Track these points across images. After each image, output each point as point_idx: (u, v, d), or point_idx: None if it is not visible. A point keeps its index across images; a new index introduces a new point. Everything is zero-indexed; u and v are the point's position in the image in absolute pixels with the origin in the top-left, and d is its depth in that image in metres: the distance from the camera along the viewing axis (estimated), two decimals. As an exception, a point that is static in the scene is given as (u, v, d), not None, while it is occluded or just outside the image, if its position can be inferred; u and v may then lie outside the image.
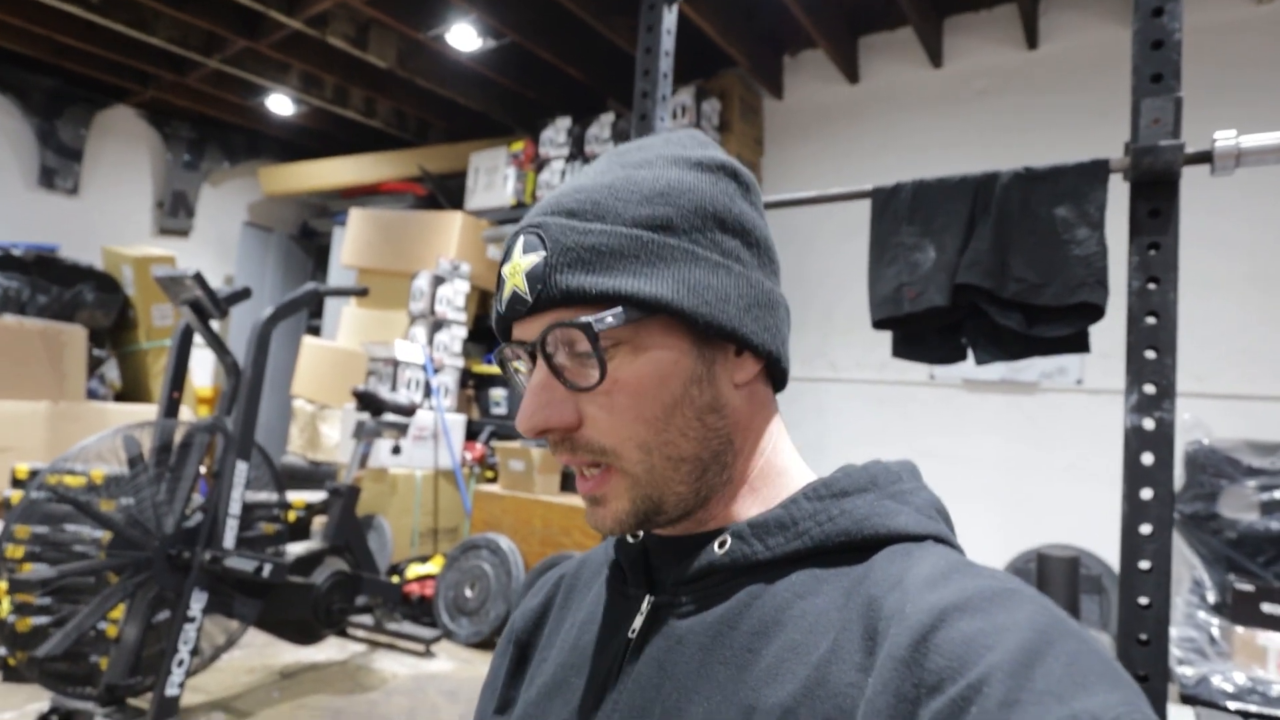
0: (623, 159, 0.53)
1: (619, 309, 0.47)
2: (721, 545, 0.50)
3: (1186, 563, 2.49)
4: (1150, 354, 1.15)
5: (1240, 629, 2.25)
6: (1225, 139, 1.13)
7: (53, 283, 4.22)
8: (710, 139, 0.57)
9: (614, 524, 0.51)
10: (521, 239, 0.50)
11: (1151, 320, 1.15)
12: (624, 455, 0.49)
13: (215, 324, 2.62)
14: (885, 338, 1.47)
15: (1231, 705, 2.04)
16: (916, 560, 0.45)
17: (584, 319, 0.46)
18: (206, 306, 2.46)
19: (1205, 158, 1.15)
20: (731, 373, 0.51)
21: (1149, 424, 1.15)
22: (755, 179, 0.56)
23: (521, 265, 0.49)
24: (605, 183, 0.50)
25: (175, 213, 6.11)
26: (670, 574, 0.53)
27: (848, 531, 0.48)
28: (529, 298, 0.48)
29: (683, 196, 0.50)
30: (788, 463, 0.55)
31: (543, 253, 0.48)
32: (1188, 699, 2.10)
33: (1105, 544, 3.48)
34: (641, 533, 0.56)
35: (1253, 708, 2.02)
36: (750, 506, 0.53)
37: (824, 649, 0.43)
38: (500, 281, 0.51)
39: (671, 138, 0.55)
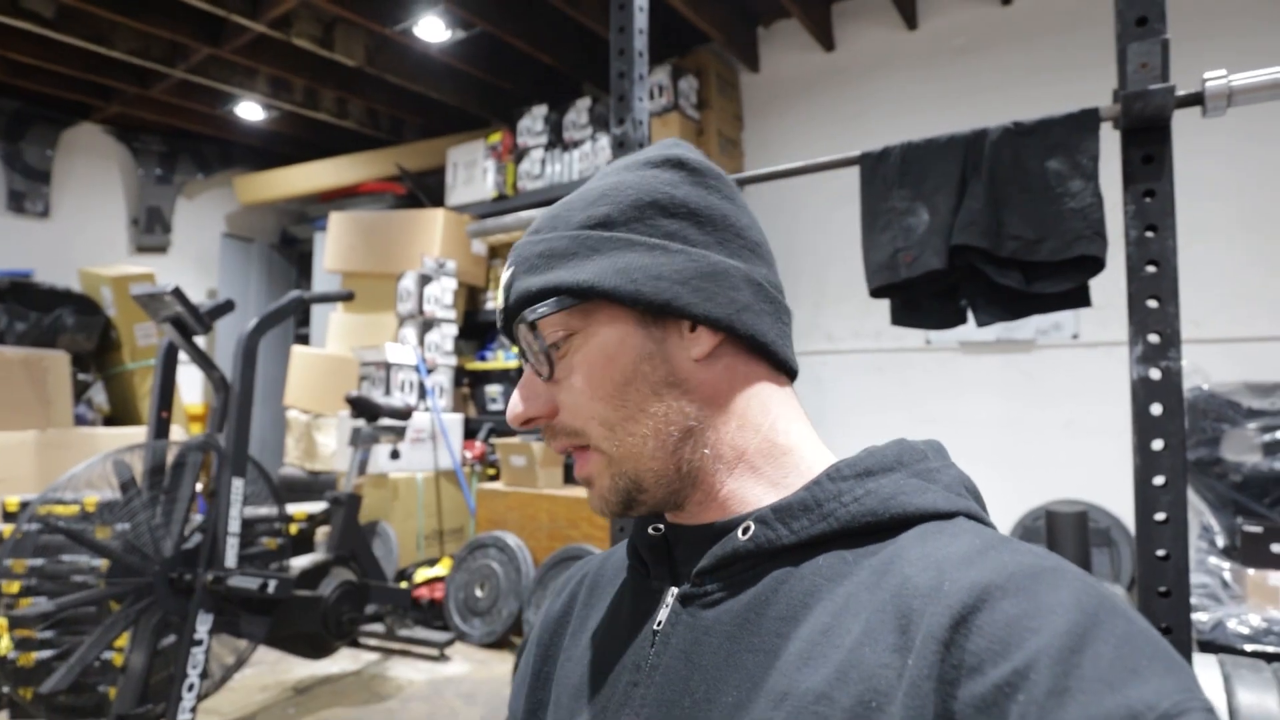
0: (598, 174, 0.59)
1: (553, 299, 0.52)
2: (745, 531, 0.50)
3: (1194, 509, 2.49)
4: (1152, 303, 1.13)
5: (1251, 571, 2.25)
6: (1216, 79, 1.10)
7: (30, 309, 4.14)
8: (682, 140, 0.61)
9: (601, 503, 0.54)
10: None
11: (1152, 269, 1.12)
12: (592, 433, 0.53)
13: (201, 340, 2.57)
14: (879, 306, 1.44)
15: (1248, 648, 2.04)
16: (949, 537, 0.44)
17: (525, 313, 0.53)
18: (189, 322, 2.41)
19: (1197, 99, 1.11)
20: (688, 348, 0.53)
21: (1156, 374, 1.13)
22: (711, 165, 0.59)
23: (502, 281, 0.56)
24: (568, 198, 0.57)
25: (151, 229, 6.01)
26: (693, 564, 0.52)
27: (874, 511, 0.47)
28: (502, 307, 0.56)
29: (621, 194, 0.54)
30: (795, 442, 0.54)
31: (512, 268, 0.55)
32: (1204, 645, 2.10)
33: (1111, 496, 3.48)
34: (663, 525, 0.57)
35: (1270, 648, 2.02)
36: (755, 486, 0.52)
37: (856, 631, 0.42)
38: None
39: (649, 147, 0.60)
